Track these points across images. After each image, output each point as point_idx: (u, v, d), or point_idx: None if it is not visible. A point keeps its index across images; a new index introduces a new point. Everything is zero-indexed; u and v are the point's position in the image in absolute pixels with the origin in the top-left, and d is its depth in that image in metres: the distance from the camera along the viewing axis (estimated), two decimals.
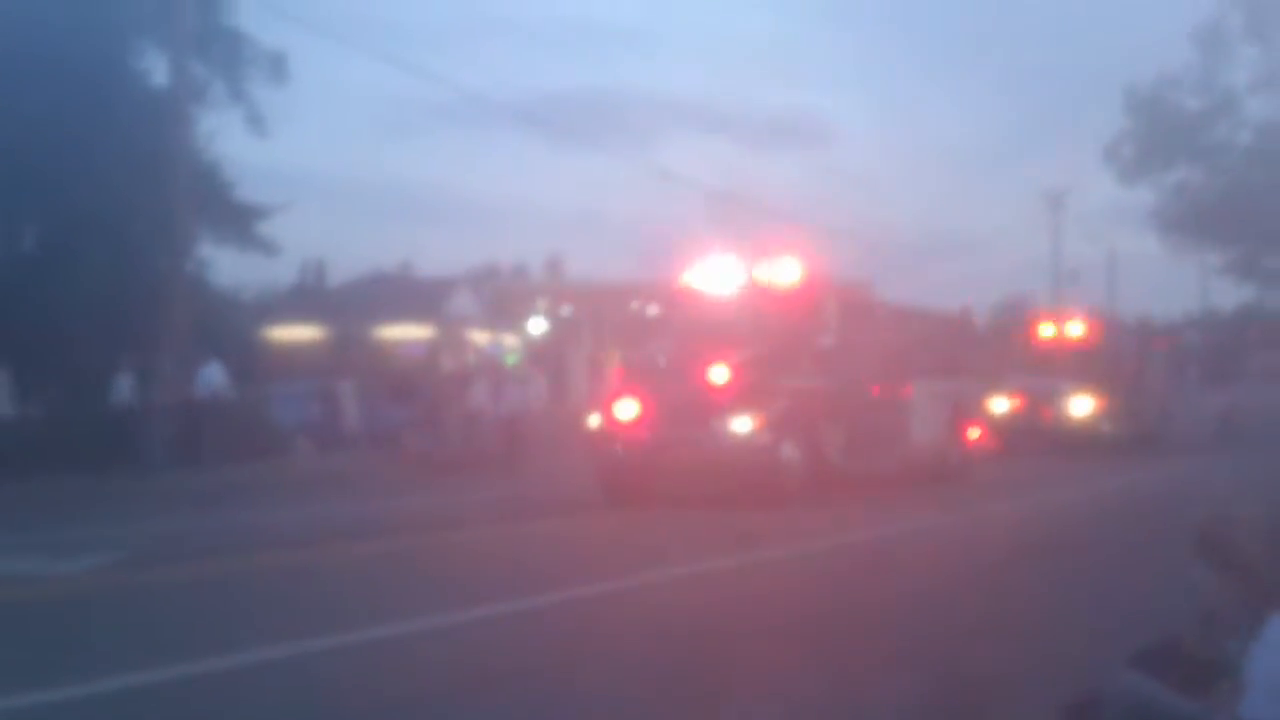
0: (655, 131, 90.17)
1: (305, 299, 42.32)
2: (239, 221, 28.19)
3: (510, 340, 43.92)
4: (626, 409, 15.28)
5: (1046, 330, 28.23)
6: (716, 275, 16.81)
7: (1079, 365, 26.45)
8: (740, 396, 14.71)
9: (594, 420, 15.72)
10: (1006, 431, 25.22)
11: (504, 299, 48.28)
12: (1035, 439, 25.38)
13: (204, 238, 26.79)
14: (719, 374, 14.88)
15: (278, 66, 27.13)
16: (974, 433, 20.05)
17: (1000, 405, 26.00)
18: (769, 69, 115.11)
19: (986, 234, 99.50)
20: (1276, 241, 49.29)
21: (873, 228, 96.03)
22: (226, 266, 30.82)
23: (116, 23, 24.38)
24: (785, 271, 16.43)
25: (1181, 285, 57.73)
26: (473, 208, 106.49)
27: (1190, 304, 60.74)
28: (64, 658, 6.67)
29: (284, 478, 20.09)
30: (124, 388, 21.33)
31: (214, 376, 21.57)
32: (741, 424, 14.62)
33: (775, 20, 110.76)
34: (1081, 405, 26.08)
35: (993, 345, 28.01)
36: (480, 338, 43.30)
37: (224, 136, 26.98)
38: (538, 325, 43.70)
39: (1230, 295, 58.80)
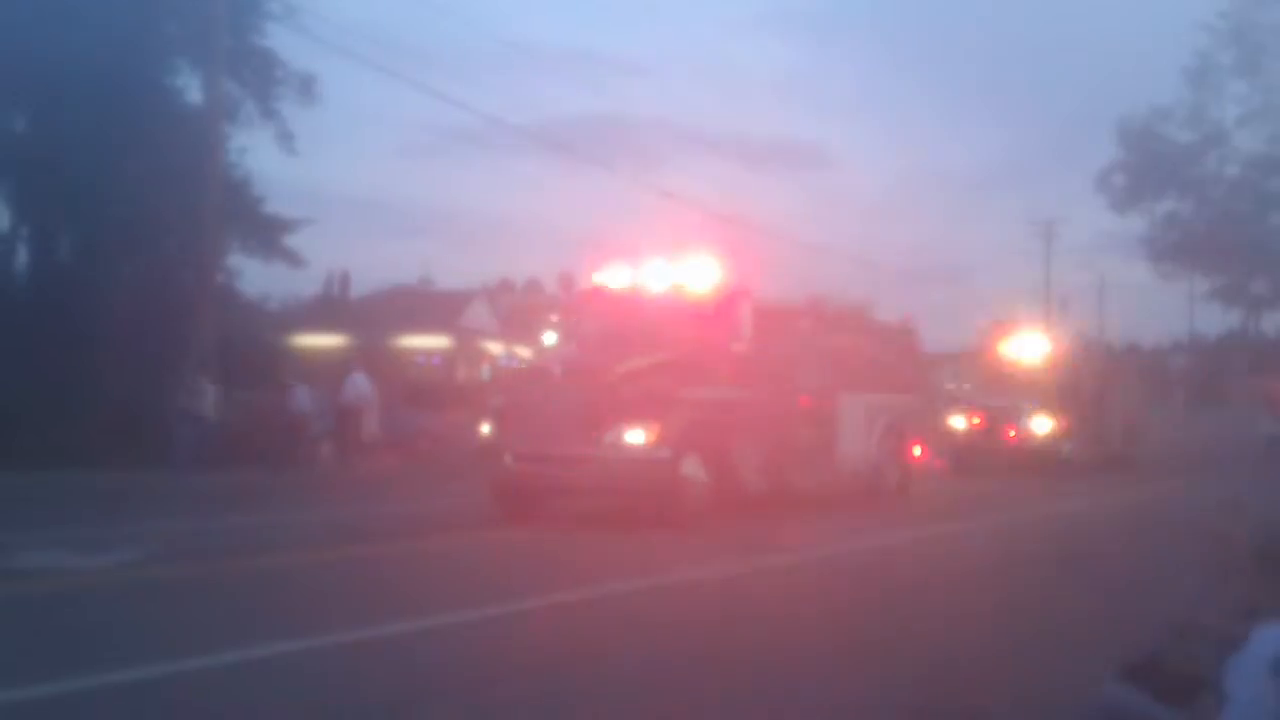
0: (660, 155, 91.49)
1: (329, 309, 43.39)
2: (266, 234, 29.16)
3: (524, 352, 45.41)
4: (515, 418, 13.89)
5: (1007, 349, 27.58)
6: (626, 275, 15.37)
7: (1039, 385, 26.01)
8: (634, 406, 13.15)
9: (485, 429, 14.38)
10: (965, 450, 25.41)
11: (518, 312, 49.77)
12: (994, 458, 25.10)
13: (232, 249, 28.00)
14: (611, 381, 13.32)
15: (307, 87, 28.07)
16: (915, 451, 18.62)
17: (959, 423, 26.05)
18: (770, 98, 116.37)
19: (980, 260, 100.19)
20: (1262, 269, 50.29)
21: (868, 251, 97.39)
22: (254, 277, 31.79)
23: (153, 42, 25.31)
24: (700, 274, 14.88)
25: (1169, 311, 58.88)
26: (489, 225, 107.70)
27: (1178, 329, 62.09)
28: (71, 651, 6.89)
29: (308, 480, 20.33)
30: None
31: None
32: (634, 436, 13.07)
33: (776, 52, 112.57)
34: (1041, 425, 25.67)
35: (964, 365, 28.81)
36: (495, 349, 44.59)
37: (254, 153, 28.06)
38: (550, 338, 45.15)
39: (1217, 321, 60.06)
